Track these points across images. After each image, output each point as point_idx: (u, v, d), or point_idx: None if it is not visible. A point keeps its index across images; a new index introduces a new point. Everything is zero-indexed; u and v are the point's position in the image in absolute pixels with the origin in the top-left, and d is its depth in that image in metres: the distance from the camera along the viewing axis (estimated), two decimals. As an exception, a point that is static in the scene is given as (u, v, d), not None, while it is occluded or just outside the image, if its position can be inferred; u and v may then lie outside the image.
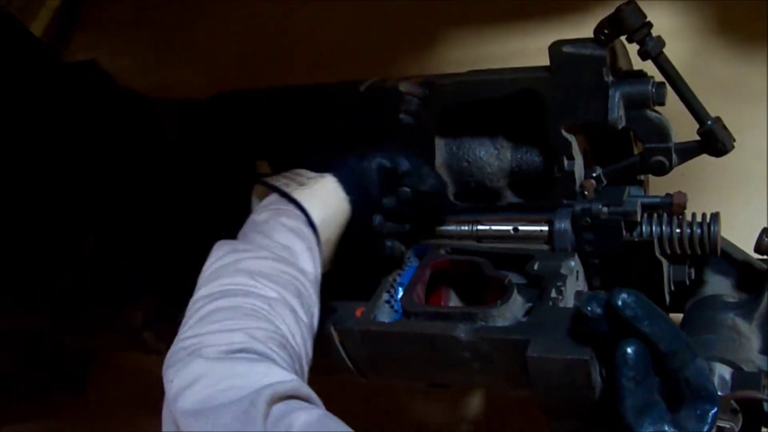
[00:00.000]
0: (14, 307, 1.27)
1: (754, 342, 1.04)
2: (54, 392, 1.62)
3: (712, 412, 0.79)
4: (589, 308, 0.82)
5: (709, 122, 0.98)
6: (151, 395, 1.63)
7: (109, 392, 1.70)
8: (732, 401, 0.91)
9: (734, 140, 0.99)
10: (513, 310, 0.98)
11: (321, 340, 1.04)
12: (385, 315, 1.04)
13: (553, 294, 0.98)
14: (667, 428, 0.78)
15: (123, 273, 1.19)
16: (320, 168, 1.01)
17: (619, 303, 0.79)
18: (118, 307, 1.16)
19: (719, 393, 0.92)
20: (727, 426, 0.92)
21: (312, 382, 1.49)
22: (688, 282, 1.08)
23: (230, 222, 1.37)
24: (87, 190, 1.23)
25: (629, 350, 0.79)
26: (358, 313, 1.03)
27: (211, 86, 1.28)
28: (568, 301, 1.00)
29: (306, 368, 0.85)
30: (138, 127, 1.26)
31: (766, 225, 1.02)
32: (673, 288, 1.08)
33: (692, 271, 1.08)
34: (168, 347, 1.19)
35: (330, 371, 1.09)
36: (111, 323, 1.19)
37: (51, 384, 1.54)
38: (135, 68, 1.94)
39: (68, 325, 1.27)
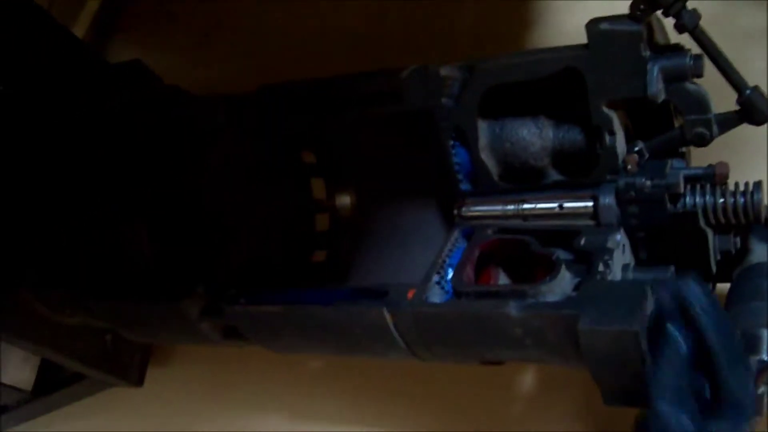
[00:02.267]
0: (76, 305, 1.32)
1: (803, 308, 1.05)
2: (113, 387, 1.67)
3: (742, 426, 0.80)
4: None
5: (747, 91, 0.99)
6: (207, 387, 1.71)
7: (167, 385, 1.75)
8: (778, 368, 0.93)
9: (775, 108, 1.00)
10: (562, 285, 1.00)
11: (373, 324, 1.08)
12: (436, 296, 1.07)
13: (601, 268, 1.00)
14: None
15: (177, 268, 1.23)
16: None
17: (686, 290, 0.80)
18: (174, 300, 1.20)
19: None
20: (773, 391, 0.94)
21: (368, 364, 1.55)
22: (734, 251, 1.09)
23: (281, 214, 1.41)
24: (136, 187, 1.27)
25: (674, 331, 0.81)
26: (409, 295, 1.06)
27: (251, 81, 1.31)
28: (616, 275, 1.02)
29: None
30: (184, 123, 1.29)
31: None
32: (719, 257, 1.09)
33: (737, 240, 1.09)
34: (223, 337, 1.24)
35: (384, 353, 1.12)
36: (168, 316, 1.22)
37: (110, 379, 1.58)
38: (175, 67, 1.98)
39: (126, 320, 1.31)
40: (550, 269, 1.02)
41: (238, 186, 1.32)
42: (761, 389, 0.92)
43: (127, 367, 1.60)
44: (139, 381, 1.64)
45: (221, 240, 1.26)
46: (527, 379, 1.51)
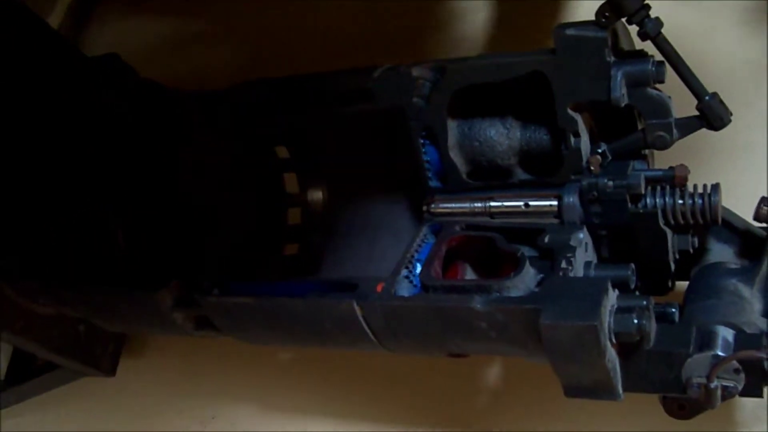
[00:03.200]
0: (50, 295, 1.33)
1: (756, 305, 1.09)
2: (87, 377, 1.69)
3: None
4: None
5: (706, 97, 1.04)
6: (178, 378, 1.74)
7: (139, 375, 1.77)
8: (734, 361, 0.97)
9: (731, 114, 1.04)
10: (526, 281, 1.04)
11: (343, 316, 1.11)
12: (404, 289, 1.10)
13: (564, 265, 1.04)
14: None
15: (151, 260, 1.25)
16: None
17: None
18: (148, 291, 1.22)
19: (722, 354, 0.98)
20: (731, 385, 0.98)
21: (335, 357, 1.58)
22: (691, 250, 1.13)
23: (254, 208, 1.44)
24: (112, 180, 1.29)
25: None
26: (378, 288, 1.09)
27: (227, 75, 1.33)
28: (578, 272, 1.06)
29: None
30: (160, 119, 1.31)
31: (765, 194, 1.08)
32: (677, 256, 1.13)
33: (695, 239, 1.14)
34: (195, 328, 1.26)
35: (353, 345, 1.16)
36: (142, 307, 1.25)
37: (83, 368, 1.60)
38: (148, 59, 2.00)
39: (100, 311, 1.33)
40: (515, 265, 1.05)
41: (212, 180, 1.35)
42: (714, 383, 0.97)
43: (100, 356, 1.61)
44: (111, 371, 1.66)
45: (195, 233, 1.29)
46: (492, 372, 1.55)
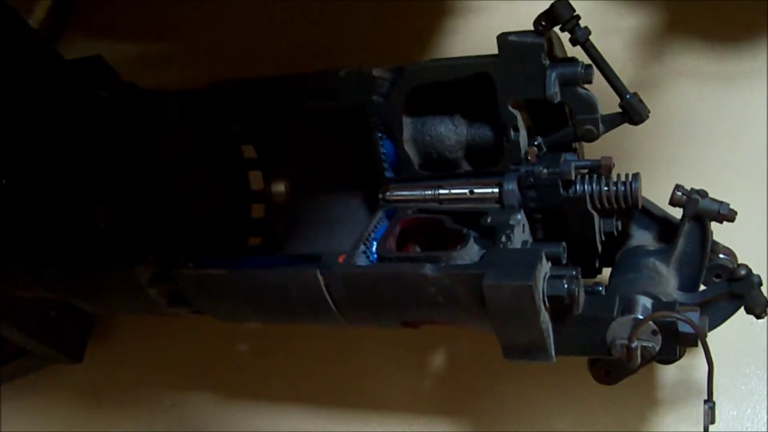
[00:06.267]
0: (31, 275, 1.42)
1: (672, 281, 1.24)
2: (53, 363, 1.77)
3: None
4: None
5: (627, 96, 1.19)
6: (143, 365, 1.82)
7: (105, 362, 1.86)
8: (651, 323, 1.11)
9: (649, 111, 1.20)
10: (470, 254, 1.17)
11: (307, 285, 1.23)
12: (362, 262, 1.23)
13: (503, 239, 1.18)
14: None
15: (129, 241, 1.36)
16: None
17: None
18: (127, 266, 1.32)
19: (641, 317, 1.12)
20: (649, 345, 1.11)
21: (297, 345, 1.69)
22: (615, 233, 1.28)
23: (220, 202, 1.55)
24: (95, 168, 1.40)
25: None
26: (340, 259, 1.22)
27: (203, 77, 1.46)
28: (516, 246, 1.20)
29: None
30: (139, 114, 1.43)
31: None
32: (603, 238, 1.28)
33: (619, 223, 1.28)
34: (168, 304, 1.37)
35: (315, 315, 1.27)
36: (120, 282, 1.35)
37: (53, 354, 1.68)
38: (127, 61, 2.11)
39: (79, 287, 1.42)
40: (461, 242, 1.19)
41: (184, 171, 1.46)
42: (635, 343, 1.11)
43: (69, 342, 1.70)
44: (79, 357, 1.75)
45: (169, 220, 1.40)
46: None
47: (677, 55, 1.80)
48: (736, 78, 1.75)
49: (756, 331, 1.50)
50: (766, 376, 1.50)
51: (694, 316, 1.10)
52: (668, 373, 1.51)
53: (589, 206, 1.23)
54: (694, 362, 1.46)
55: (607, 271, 1.34)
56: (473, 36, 1.90)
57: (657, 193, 1.29)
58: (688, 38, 1.81)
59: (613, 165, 1.22)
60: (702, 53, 1.79)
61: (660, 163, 1.63)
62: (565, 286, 1.09)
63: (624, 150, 1.50)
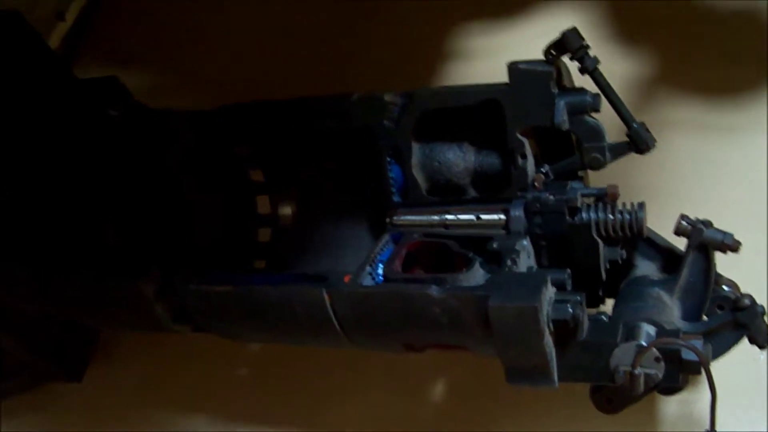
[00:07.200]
0: (40, 288, 1.43)
1: (675, 311, 1.25)
2: (55, 380, 1.77)
3: None
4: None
5: (634, 125, 1.21)
6: (142, 387, 1.82)
7: (106, 381, 1.85)
8: (655, 350, 1.11)
9: (655, 141, 1.22)
10: (476, 277, 1.18)
11: (312, 303, 1.23)
12: (368, 283, 1.23)
13: (509, 263, 1.19)
14: None
15: (137, 252, 1.37)
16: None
17: None
18: (133, 280, 1.33)
19: (644, 344, 1.13)
20: (653, 372, 1.11)
21: (298, 369, 1.69)
22: (620, 261, 1.28)
23: (226, 225, 1.56)
24: (106, 183, 1.42)
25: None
26: (346, 279, 1.23)
27: (215, 101, 1.47)
28: (522, 270, 1.21)
29: None
30: (150, 132, 1.44)
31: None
32: (608, 266, 1.29)
33: (623, 252, 1.29)
34: (173, 320, 1.37)
35: (319, 335, 1.28)
36: (126, 296, 1.35)
37: (53, 371, 1.68)
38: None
39: (86, 301, 1.42)
40: (466, 265, 1.20)
41: (191, 192, 1.47)
42: (638, 370, 1.11)
43: (70, 360, 1.70)
44: (78, 376, 1.75)
45: (176, 236, 1.41)
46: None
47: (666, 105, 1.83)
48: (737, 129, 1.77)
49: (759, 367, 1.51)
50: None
51: (698, 343, 1.11)
52: (669, 406, 1.52)
53: (594, 234, 1.24)
54: (695, 396, 1.46)
55: (610, 302, 1.35)
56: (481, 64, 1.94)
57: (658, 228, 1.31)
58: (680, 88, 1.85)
59: (619, 194, 1.23)
60: (698, 104, 1.82)
61: (662, 197, 1.65)
62: (570, 310, 1.10)
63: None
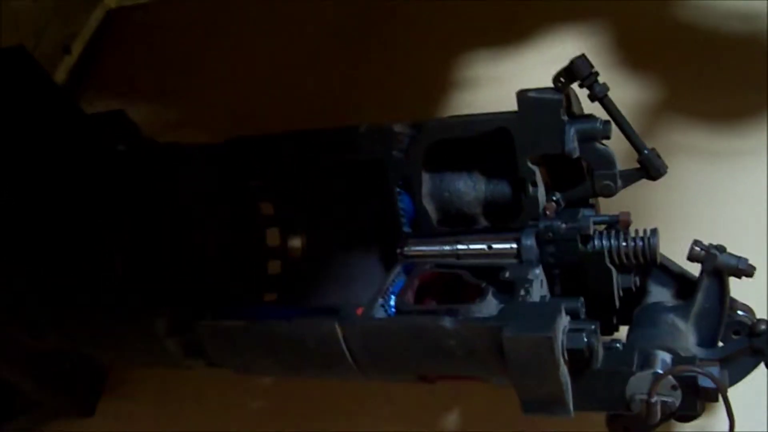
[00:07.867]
0: (51, 322, 1.43)
1: (690, 337, 1.24)
2: (67, 416, 1.76)
3: None
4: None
5: (645, 151, 1.21)
6: (152, 423, 1.82)
7: (116, 417, 1.84)
8: (671, 377, 1.10)
9: (667, 167, 1.21)
10: (489, 307, 1.18)
11: (325, 337, 1.23)
12: (381, 315, 1.23)
13: (522, 293, 1.18)
14: None
15: (147, 288, 1.37)
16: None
17: None
18: (144, 315, 1.32)
19: (661, 372, 1.12)
20: (669, 400, 1.11)
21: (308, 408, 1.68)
22: (633, 288, 1.28)
23: (235, 259, 1.56)
24: (115, 218, 1.42)
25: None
26: (358, 312, 1.22)
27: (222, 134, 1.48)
28: (535, 300, 1.20)
29: None
30: (158, 167, 1.45)
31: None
32: (621, 294, 1.28)
33: (637, 279, 1.28)
34: (185, 355, 1.37)
35: (332, 367, 1.27)
36: (137, 331, 1.35)
37: (65, 406, 1.68)
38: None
39: (97, 336, 1.42)
40: (479, 295, 1.20)
41: (200, 226, 1.48)
42: (654, 398, 1.10)
43: (82, 396, 1.70)
44: (90, 411, 1.74)
45: (185, 269, 1.41)
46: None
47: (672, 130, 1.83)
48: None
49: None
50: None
51: (715, 370, 1.10)
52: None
53: (607, 261, 1.23)
54: (712, 422, 1.45)
55: (623, 329, 1.34)
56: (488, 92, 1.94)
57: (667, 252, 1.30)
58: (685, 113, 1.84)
59: (631, 221, 1.23)
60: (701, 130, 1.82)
61: (671, 221, 1.64)
62: (585, 339, 1.09)
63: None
